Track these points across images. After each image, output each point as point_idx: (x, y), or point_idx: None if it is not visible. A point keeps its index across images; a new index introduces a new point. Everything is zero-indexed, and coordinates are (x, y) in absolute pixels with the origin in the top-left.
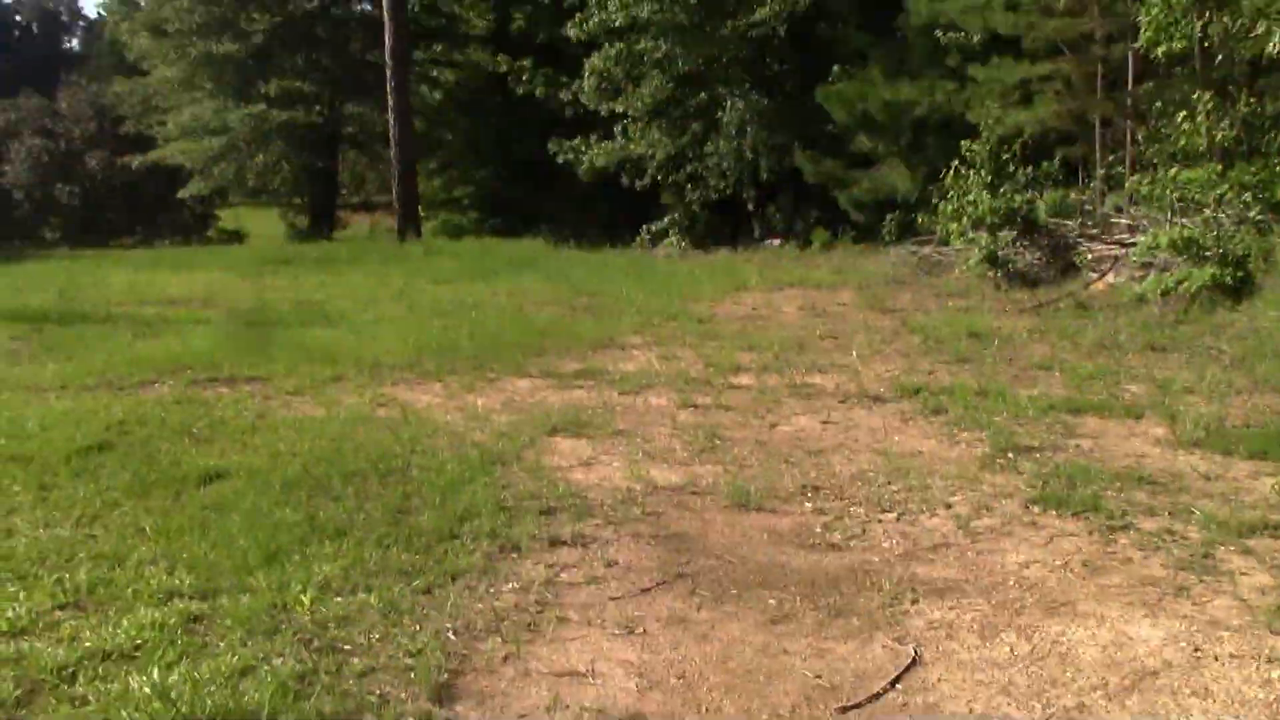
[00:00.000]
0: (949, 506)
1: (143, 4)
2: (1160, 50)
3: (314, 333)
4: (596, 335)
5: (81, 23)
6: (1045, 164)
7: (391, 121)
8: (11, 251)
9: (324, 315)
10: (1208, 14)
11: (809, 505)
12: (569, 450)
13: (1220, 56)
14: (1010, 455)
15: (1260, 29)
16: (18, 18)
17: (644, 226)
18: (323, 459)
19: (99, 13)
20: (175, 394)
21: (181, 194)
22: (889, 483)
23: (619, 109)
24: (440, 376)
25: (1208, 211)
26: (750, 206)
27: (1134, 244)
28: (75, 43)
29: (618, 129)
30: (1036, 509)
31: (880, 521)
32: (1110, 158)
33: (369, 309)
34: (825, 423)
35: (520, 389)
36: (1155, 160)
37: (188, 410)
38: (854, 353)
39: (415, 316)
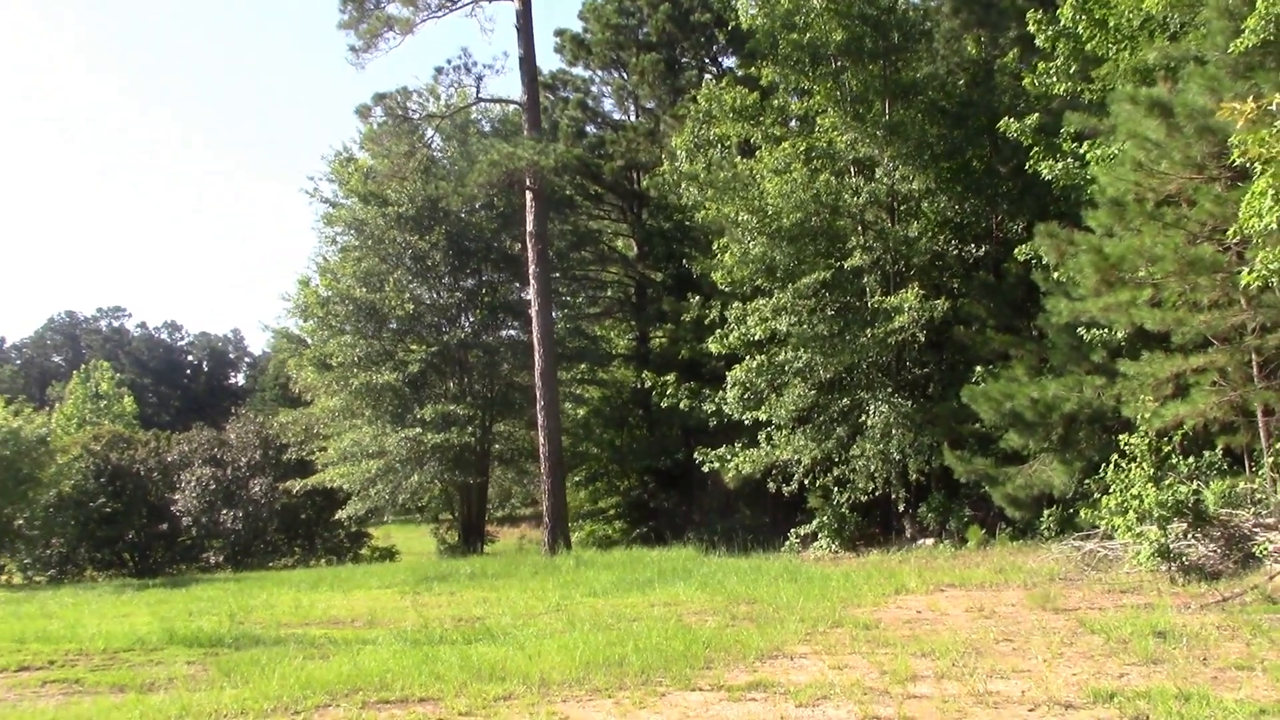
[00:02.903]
0: None
1: (310, 341)
2: None
3: (479, 649)
4: (762, 645)
5: (247, 359)
6: (1208, 454)
7: (542, 440)
8: (178, 576)
9: (486, 631)
10: None
11: None
12: None
13: None
14: None
15: None
16: (189, 357)
17: (792, 530)
18: None
19: (264, 349)
20: (351, 717)
21: (340, 514)
22: None
23: (763, 417)
24: (610, 693)
25: None
26: (901, 506)
27: None
28: (240, 378)
29: (762, 436)
30: None
31: None
32: (1278, 445)
33: (529, 624)
34: None
35: (692, 703)
36: None
37: None
38: (1038, 657)
39: (577, 630)
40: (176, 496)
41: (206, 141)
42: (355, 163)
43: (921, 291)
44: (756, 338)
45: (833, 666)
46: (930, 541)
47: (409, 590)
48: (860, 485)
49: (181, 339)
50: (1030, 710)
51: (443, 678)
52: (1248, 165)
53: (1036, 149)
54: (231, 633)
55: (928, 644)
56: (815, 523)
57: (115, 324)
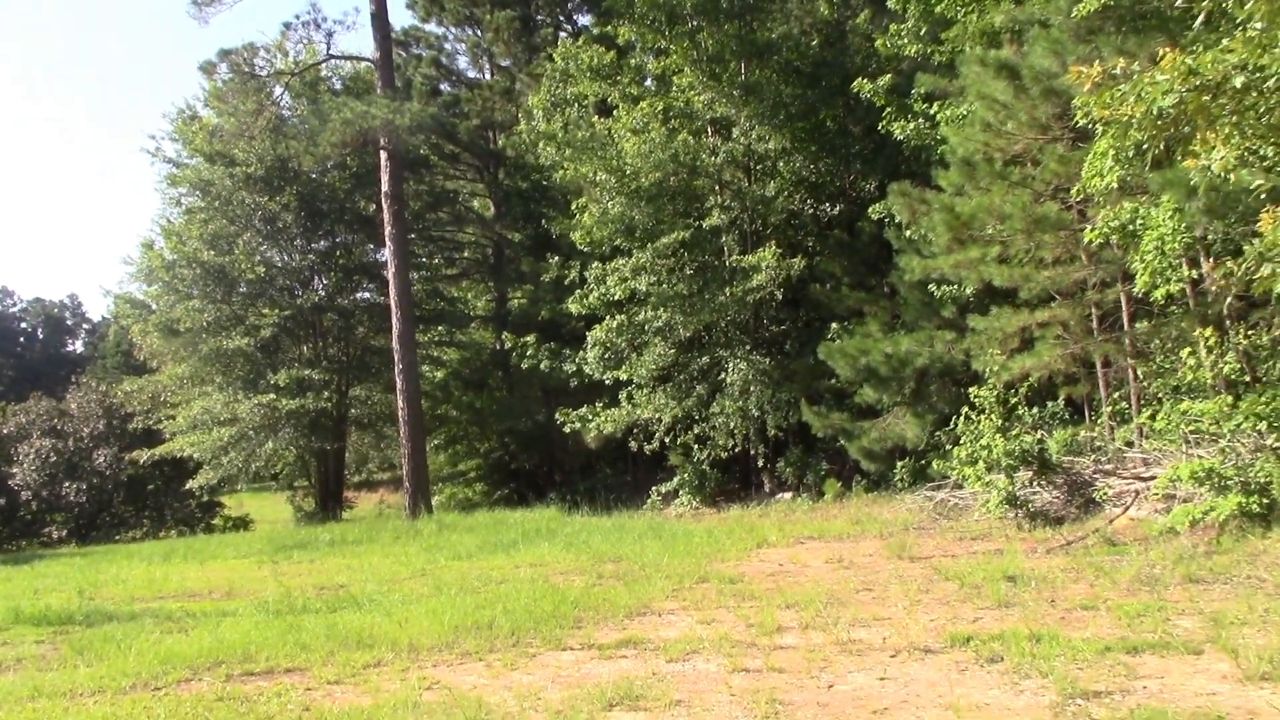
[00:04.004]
0: None
1: (154, 306)
2: (1158, 293)
3: (344, 617)
4: (630, 602)
5: (86, 325)
6: (1050, 404)
7: (401, 403)
8: (18, 552)
9: (351, 599)
10: (1202, 259)
11: None
12: None
13: (1213, 295)
14: (1079, 702)
15: (1265, 271)
16: (22, 324)
17: (654, 488)
18: None
19: (103, 315)
20: (215, 691)
21: (191, 484)
22: None
23: (623, 376)
24: (481, 656)
25: (1223, 442)
26: (760, 462)
27: (1151, 477)
28: (79, 345)
29: (623, 395)
30: None
31: None
32: (1115, 394)
33: (394, 589)
34: (882, 679)
35: (564, 663)
36: (1160, 395)
37: (229, 708)
38: (898, 605)
39: (443, 595)
40: (14, 470)
41: (37, 96)
42: (200, 121)
43: (779, 250)
44: (616, 298)
45: (701, 621)
46: (789, 495)
47: (267, 560)
48: (720, 442)
49: (14, 305)
50: (892, 656)
51: (309, 647)
52: (1090, 126)
53: (889, 110)
54: (82, 609)
55: (791, 596)
56: (676, 480)
57: None
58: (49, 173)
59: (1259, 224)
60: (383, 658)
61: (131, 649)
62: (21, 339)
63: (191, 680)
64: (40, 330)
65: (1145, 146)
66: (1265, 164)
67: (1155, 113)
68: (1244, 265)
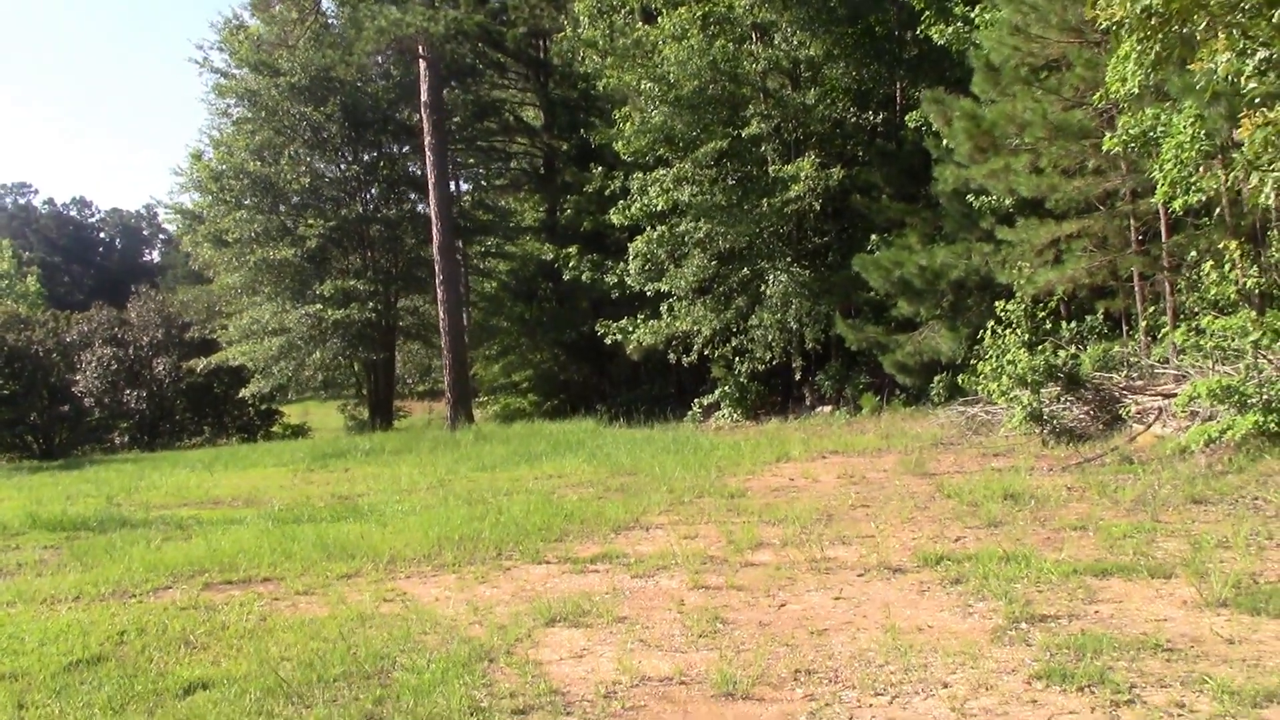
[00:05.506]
0: (946, 686)
1: (205, 217)
2: (1177, 204)
3: (340, 528)
4: (622, 517)
5: (161, 235)
6: (1089, 318)
7: (441, 314)
8: (80, 458)
9: (356, 509)
10: (1218, 167)
11: (799, 692)
12: (563, 641)
13: (1247, 206)
14: (1023, 626)
15: (1254, 180)
16: (101, 234)
17: (695, 400)
18: (309, 663)
19: (176, 226)
20: (185, 599)
21: (244, 393)
22: (887, 663)
23: (664, 288)
24: (457, 568)
25: (1248, 358)
26: (798, 375)
27: (1178, 394)
28: (155, 255)
29: (664, 307)
30: (1040, 685)
31: (871, 706)
32: (1151, 309)
33: (404, 500)
34: (837, 599)
35: (534, 576)
36: (1196, 309)
37: (191, 617)
38: (888, 522)
39: (446, 506)
40: (78, 378)
41: (108, 12)
42: (246, 30)
43: (818, 160)
44: (659, 209)
45: (684, 536)
46: (828, 409)
47: (303, 468)
48: (759, 355)
49: (92, 216)
50: (859, 575)
51: (293, 556)
52: (1112, 28)
53: (928, 13)
54: (99, 515)
55: (784, 512)
56: (718, 393)
57: (21, 201)
58: (128, 79)
59: (1239, 130)
60: (361, 568)
61: (125, 556)
62: (100, 249)
63: (170, 588)
64: (118, 240)
65: (1140, 49)
66: (1261, 67)
67: (1143, 13)
68: (1233, 175)
